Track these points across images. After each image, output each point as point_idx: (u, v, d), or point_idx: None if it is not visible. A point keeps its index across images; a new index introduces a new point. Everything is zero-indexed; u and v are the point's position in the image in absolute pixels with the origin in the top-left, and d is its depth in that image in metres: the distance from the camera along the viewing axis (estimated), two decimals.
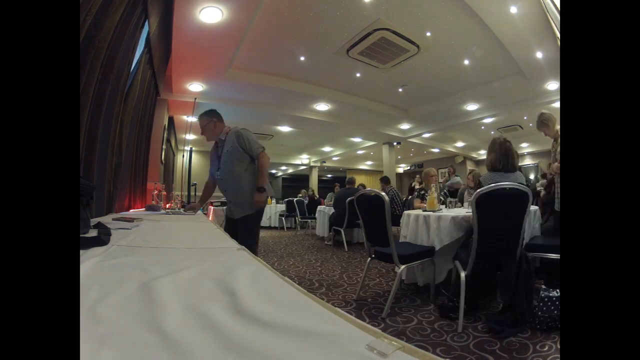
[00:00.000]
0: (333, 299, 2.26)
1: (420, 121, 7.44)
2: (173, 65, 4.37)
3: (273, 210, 7.94)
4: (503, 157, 2.04)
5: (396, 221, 2.88)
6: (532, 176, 9.22)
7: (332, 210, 5.07)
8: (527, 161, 10.17)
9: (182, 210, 3.12)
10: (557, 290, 1.64)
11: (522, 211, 1.70)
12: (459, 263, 1.82)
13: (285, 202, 7.70)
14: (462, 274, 1.74)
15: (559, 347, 1.44)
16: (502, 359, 1.36)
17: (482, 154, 11.14)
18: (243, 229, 2.06)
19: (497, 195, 1.65)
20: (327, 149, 11.29)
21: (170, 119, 6.48)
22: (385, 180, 5.01)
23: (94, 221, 1.35)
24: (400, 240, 2.50)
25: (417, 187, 5.96)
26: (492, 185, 1.68)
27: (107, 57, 2.00)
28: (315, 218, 6.18)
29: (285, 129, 7.91)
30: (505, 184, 1.72)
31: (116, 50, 2.14)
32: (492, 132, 8.12)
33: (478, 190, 1.67)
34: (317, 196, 8.57)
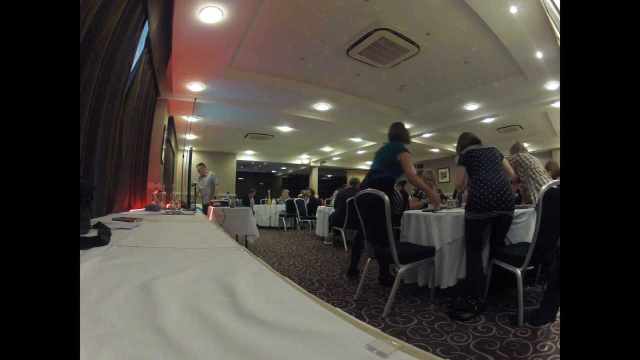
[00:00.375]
0: (333, 299, 2.26)
1: (420, 121, 7.43)
2: (173, 65, 4.37)
3: (273, 210, 7.95)
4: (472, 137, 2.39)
5: (396, 221, 2.88)
6: None
7: (332, 210, 5.07)
8: None
9: (182, 210, 3.12)
10: None
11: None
12: (504, 262, 1.94)
13: (285, 202, 7.70)
14: (519, 272, 1.81)
15: (559, 347, 1.44)
16: (502, 359, 1.36)
17: None
18: None
19: (556, 194, 1.77)
20: (327, 149, 11.29)
21: (170, 119, 6.48)
22: None
23: (94, 221, 1.35)
24: (400, 240, 2.50)
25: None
26: (557, 180, 1.85)
27: (107, 57, 2.00)
28: (315, 218, 6.18)
29: (285, 129, 7.90)
30: (557, 181, 1.86)
31: (116, 50, 2.14)
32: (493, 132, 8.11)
33: (543, 188, 1.77)
34: (317, 196, 8.57)
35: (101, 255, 0.82)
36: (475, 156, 2.19)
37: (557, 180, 1.92)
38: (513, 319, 1.73)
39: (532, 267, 2.34)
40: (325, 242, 5.09)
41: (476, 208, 2.01)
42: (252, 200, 8.82)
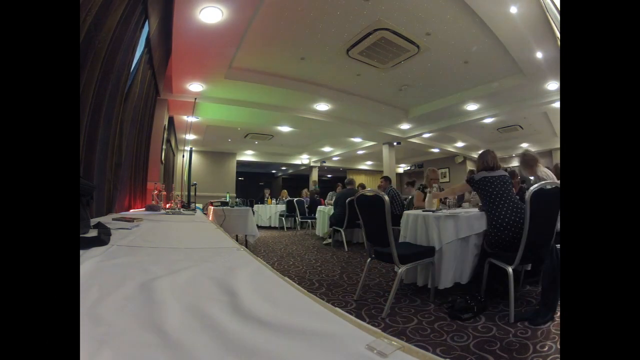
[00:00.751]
0: (333, 299, 2.25)
1: (420, 121, 7.43)
2: (173, 65, 4.37)
3: (273, 210, 7.95)
4: (492, 159, 2.34)
5: (396, 221, 2.88)
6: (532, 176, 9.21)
7: (332, 210, 5.07)
8: None
9: (181, 210, 3.12)
10: None
11: (557, 208, 1.91)
12: (498, 260, 1.97)
13: (285, 202, 7.70)
14: (510, 269, 1.85)
15: (559, 347, 1.44)
16: (502, 359, 1.36)
17: None
18: None
19: (546, 194, 1.83)
20: (327, 149, 11.28)
21: (170, 119, 6.48)
22: (386, 179, 5.02)
23: (94, 221, 1.35)
24: (400, 240, 2.50)
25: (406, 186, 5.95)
26: (542, 182, 1.89)
27: (107, 57, 2.00)
28: (315, 218, 6.17)
29: (285, 129, 7.90)
30: (548, 181, 1.96)
31: (116, 50, 2.14)
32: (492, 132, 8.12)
33: (532, 188, 1.82)
34: (317, 196, 8.56)
35: (101, 255, 0.82)
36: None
37: (547, 181, 1.95)
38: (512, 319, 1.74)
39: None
40: (325, 242, 5.09)
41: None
42: (267, 197, 8.75)
